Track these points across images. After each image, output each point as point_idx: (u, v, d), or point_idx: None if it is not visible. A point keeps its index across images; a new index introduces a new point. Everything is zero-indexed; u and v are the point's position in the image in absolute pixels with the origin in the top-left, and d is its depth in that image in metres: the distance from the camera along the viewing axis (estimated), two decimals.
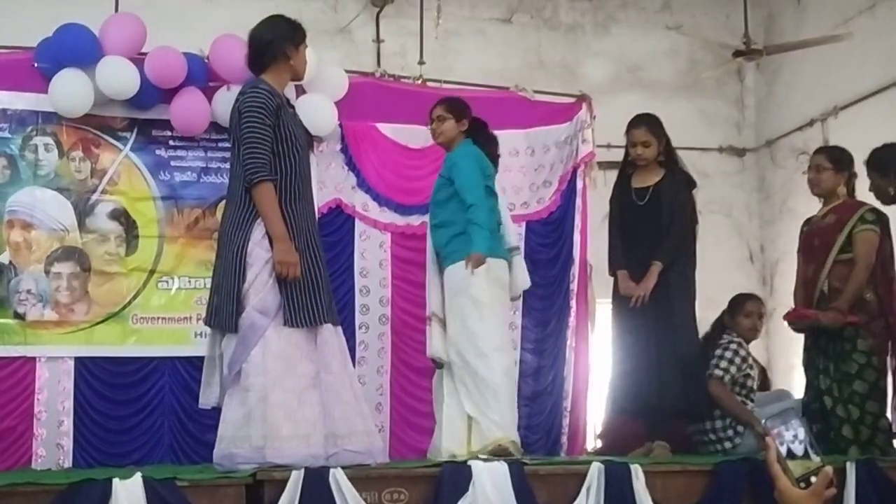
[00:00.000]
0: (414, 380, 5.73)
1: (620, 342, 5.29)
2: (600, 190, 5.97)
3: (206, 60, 5.50)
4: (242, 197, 4.17)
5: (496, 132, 5.09)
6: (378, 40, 7.95)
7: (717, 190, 8.35)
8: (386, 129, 5.89)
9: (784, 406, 4.99)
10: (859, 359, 5.02)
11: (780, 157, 8.51)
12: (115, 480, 3.49)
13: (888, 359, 5.13)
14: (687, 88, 8.60)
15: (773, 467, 2.04)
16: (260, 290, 4.10)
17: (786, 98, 8.51)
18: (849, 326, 5.01)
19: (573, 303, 5.98)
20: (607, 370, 5.51)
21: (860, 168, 5.29)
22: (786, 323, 5.42)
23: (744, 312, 5.51)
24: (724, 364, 5.28)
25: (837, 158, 5.31)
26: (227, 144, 4.89)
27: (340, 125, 5.76)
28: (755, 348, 5.95)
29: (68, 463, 5.20)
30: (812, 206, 5.51)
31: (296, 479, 3.70)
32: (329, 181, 5.76)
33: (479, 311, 4.70)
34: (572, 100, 6.22)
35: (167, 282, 5.51)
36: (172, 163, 5.57)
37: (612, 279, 5.35)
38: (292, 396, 4.07)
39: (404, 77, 6.31)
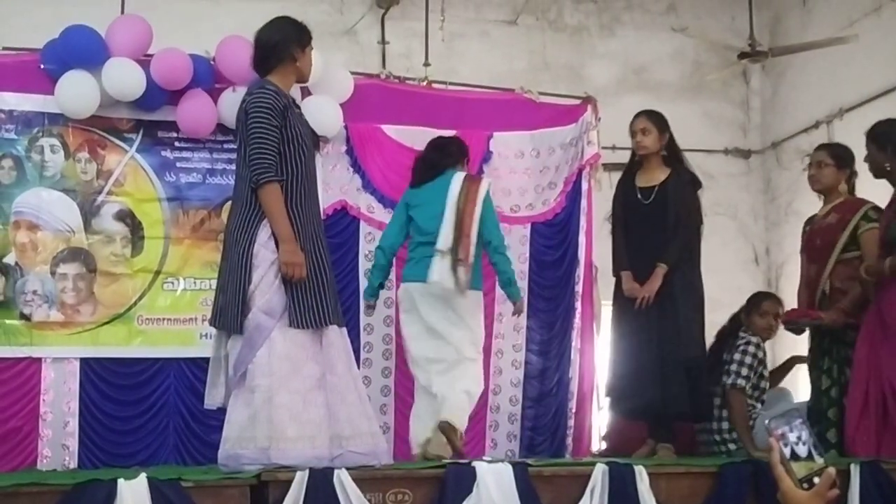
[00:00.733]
0: None
1: (623, 343, 5.28)
2: (605, 192, 5.97)
3: (211, 62, 5.51)
4: (248, 198, 4.16)
5: (502, 134, 5.08)
6: (383, 42, 7.96)
7: (723, 192, 8.32)
8: (391, 130, 5.89)
9: (788, 407, 4.99)
10: None
11: (786, 159, 8.49)
12: (121, 481, 3.50)
13: None
14: (692, 90, 8.59)
15: (776, 468, 2.03)
16: (266, 291, 4.09)
17: (791, 100, 8.50)
18: (850, 328, 4.97)
19: (578, 304, 5.97)
20: (606, 371, 5.51)
21: (861, 167, 5.27)
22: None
23: (759, 311, 5.49)
24: (745, 371, 5.25)
25: (839, 155, 5.29)
26: (233, 146, 4.91)
27: (346, 127, 5.76)
28: None
29: (74, 463, 5.21)
30: (817, 209, 5.47)
31: (300, 480, 3.70)
32: (334, 183, 5.77)
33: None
34: (577, 102, 6.21)
35: (173, 283, 5.52)
36: (178, 164, 5.58)
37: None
38: (297, 398, 4.06)
39: (409, 79, 6.32)
